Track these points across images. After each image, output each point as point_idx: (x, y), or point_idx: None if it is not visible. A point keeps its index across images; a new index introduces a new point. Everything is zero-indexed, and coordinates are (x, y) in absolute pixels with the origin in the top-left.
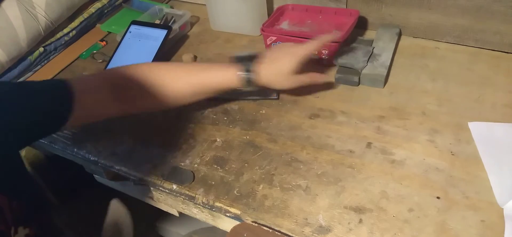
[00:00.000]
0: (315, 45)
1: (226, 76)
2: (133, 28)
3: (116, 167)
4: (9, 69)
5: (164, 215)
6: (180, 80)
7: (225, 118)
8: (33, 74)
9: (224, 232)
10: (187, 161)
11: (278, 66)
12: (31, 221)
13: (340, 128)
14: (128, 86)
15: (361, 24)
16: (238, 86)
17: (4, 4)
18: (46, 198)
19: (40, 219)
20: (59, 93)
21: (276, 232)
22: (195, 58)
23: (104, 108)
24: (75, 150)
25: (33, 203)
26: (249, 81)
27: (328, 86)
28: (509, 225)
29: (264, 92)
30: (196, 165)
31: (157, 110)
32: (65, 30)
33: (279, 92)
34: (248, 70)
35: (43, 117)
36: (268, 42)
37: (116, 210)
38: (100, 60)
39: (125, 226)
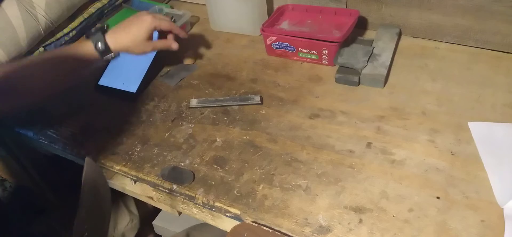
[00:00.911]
0: (167, 25)
1: (84, 48)
2: None
3: (116, 167)
4: None
5: (163, 215)
6: (48, 71)
7: (225, 118)
8: None
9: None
10: (187, 161)
11: (132, 33)
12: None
13: (340, 128)
14: (5, 82)
15: (361, 24)
16: (97, 56)
17: (4, 4)
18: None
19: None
20: None
21: (276, 232)
22: (194, 61)
23: None
24: (75, 150)
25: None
26: (104, 50)
27: (328, 86)
28: (509, 225)
29: (246, 98)
30: (196, 165)
31: (38, 102)
32: (65, 30)
33: (262, 96)
34: (100, 40)
35: None
36: (268, 42)
37: (91, 168)
38: None
39: (102, 184)
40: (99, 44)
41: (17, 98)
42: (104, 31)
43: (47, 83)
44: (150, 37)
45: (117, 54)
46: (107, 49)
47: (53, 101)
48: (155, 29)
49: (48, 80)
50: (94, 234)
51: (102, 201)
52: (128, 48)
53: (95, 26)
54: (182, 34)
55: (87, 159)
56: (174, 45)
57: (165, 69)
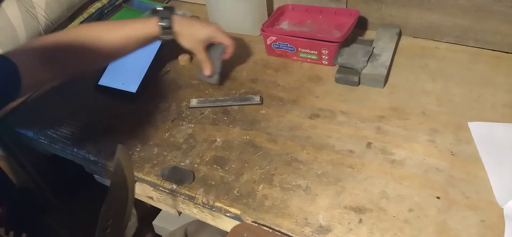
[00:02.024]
0: (229, 41)
1: (148, 26)
2: None
3: None
4: None
5: (163, 215)
6: (106, 36)
7: (225, 118)
8: None
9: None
10: (187, 161)
11: (195, 29)
12: (1, 200)
13: (340, 128)
14: (58, 50)
15: (361, 24)
16: (158, 32)
17: (4, 4)
18: (10, 183)
19: (11, 199)
20: (5, 71)
21: (276, 232)
22: (191, 59)
23: (42, 76)
24: (75, 150)
25: (17, 207)
26: (167, 28)
27: (328, 86)
28: (509, 225)
29: (246, 98)
30: (196, 165)
31: (91, 69)
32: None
33: (262, 96)
34: (167, 17)
35: None
36: (268, 42)
37: (124, 154)
38: None
39: (130, 172)
40: (165, 21)
41: (70, 65)
42: (172, 11)
43: (101, 53)
44: (205, 41)
45: (172, 39)
46: (170, 28)
47: (53, 101)
48: (214, 37)
49: (104, 50)
50: (117, 220)
51: (127, 189)
52: (183, 37)
53: (161, 6)
54: (227, 56)
55: (119, 145)
56: (206, 71)
57: (165, 69)
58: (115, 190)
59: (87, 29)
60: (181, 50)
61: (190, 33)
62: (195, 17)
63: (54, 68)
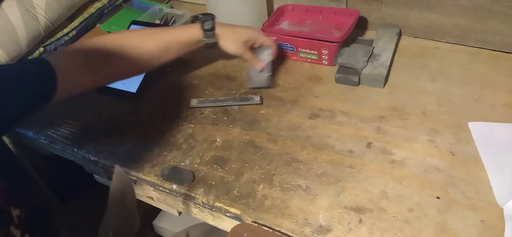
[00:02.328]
0: (271, 42)
1: (190, 31)
2: (133, 28)
3: None
4: None
5: (163, 215)
6: (148, 42)
7: (225, 118)
8: None
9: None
10: (187, 161)
11: (237, 30)
12: (21, 202)
13: (340, 128)
14: (99, 55)
15: (361, 24)
16: (200, 36)
17: (4, 4)
18: (33, 180)
19: (29, 200)
20: (42, 72)
21: (276, 232)
22: (190, 59)
23: (81, 81)
24: (75, 150)
25: (20, 185)
26: (210, 34)
27: (328, 86)
28: (509, 225)
29: (246, 98)
30: (196, 165)
31: (132, 75)
32: (65, 30)
33: (262, 96)
34: (209, 21)
35: (29, 98)
36: None
37: (121, 177)
38: None
39: (130, 194)
40: (207, 24)
41: (113, 70)
42: (213, 16)
43: (144, 59)
44: (248, 43)
45: (215, 42)
46: (212, 30)
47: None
48: (255, 41)
49: (146, 56)
50: None
51: (129, 215)
52: (225, 41)
53: (202, 14)
54: (273, 56)
55: (116, 167)
56: (258, 66)
57: (166, 69)
58: (113, 218)
59: (129, 35)
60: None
61: (232, 36)
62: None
63: (95, 73)
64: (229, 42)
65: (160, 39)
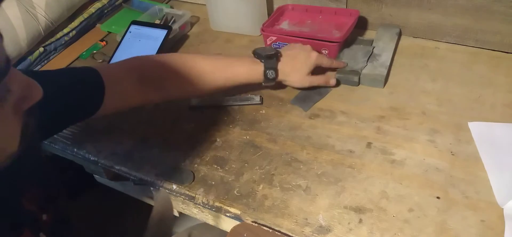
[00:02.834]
0: (333, 63)
1: (252, 72)
2: (133, 28)
3: (116, 167)
4: None
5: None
6: (209, 72)
7: (225, 118)
8: None
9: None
10: (187, 161)
11: (297, 65)
12: (49, 208)
13: (340, 128)
14: (156, 75)
15: (361, 24)
16: (261, 80)
17: (4, 4)
18: (60, 185)
19: (56, 207)
20: (91, 82)
21: (276, 232)
22: None
23: (131, 98)
24: (75, 150)
25: (51, 191)
26: (272, 78)
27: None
28: (509, 225)
29: (247, 98)
30: (196, 165)
31: (181, 99)
32: (65, 30)
33: (262, 97)
34: (272, 68)
35: (76, 106)
36: (268, 42)
37: (164, 201)
38: (100, 60)
39: (169, 220)
40: (270, 73)
41: (166, 91)
42: (275, 58)
43: (198, 86)
44: (310, 72)
45: (274, 83)
46: (274, 78)
47: None
48: (317, 65)
49: (201, 83)
50: None
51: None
52: (289, 81)
53: (266, 50)
54: (341, 65)
55: (162, 191)
56: (332, 81)
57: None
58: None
59: (190, 60)
60: (184, 49)
61: (295, 75)
62: (294, 53)
63: (145, 92)
64: (293, 82)
65: (221, 74)
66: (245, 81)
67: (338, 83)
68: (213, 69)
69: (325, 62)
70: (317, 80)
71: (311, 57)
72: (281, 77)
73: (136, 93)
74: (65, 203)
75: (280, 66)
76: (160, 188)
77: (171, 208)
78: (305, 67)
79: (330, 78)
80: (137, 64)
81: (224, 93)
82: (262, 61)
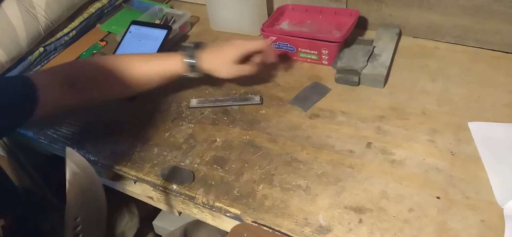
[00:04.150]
0: (261, 45)
1: (173, 63)
2: (133, 28)
3: (116, 167)
4: (9, 69)
5: (163, 215)
6: (132, 70)
7: (225, 118)
8: None
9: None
10: (187, 161)
11: (221, 55)
12: (4, 212)
13: (340, 128)
14: (81, 78)
15: (361, 24)
16: (184, 72)
17: (4, 4)
18: (16, 189)
19: (14, 210)
20: (24, 89)
21: (276, 232)
22: None
23: (64, 102)
24: (75, 150)
25: (3, 195)
26: (193, 67)
27: (328, 86)
28: (509, 225)
29: (246, 98)
30: (196, 165)
31: (113, 98)
32: (65, 30)
33: (262, 96)
34: (192, 57)
35: (8, 114)
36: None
37: (74, 159)
38: None
39: (92, 180)
40: (189, 60)
41: (97, 92)
42: (197, 47)
43: (128, 84)
44: (238, 61)
45: (201, 74)
46: (196, 67)
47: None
48: (246, 52)
49: (130, 81)
50: (89, 233)
51: (94, 199)
52: (215, 71)
53: (189, 43)
54: (274, 57)
55: (68, 149)
56: (271, 56)
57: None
58: (77, 204)
59: (113, 60)
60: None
61: (219, 63)
62: (216, 44)
63: (77, 95)
64: (220, 72)
65: (143, 68)
66: (171, 73)
67: (335, 84)
68: (140, 66)
69: (257, 45)
70: (245, 69)
71: (237, 45)
72: (206, 66)
73: (68, 97)
74: (26, 207)
75: (203, 54)
76: (67, 148)
77: (88, 166)
78: (231, 55)
79: (257, 67)
80: (68, 69)
81: (224, 95)
82: (182, 51)
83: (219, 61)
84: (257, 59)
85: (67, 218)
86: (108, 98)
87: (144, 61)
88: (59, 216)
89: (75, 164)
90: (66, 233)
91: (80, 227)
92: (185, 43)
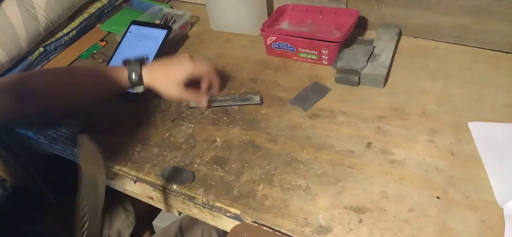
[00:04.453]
0: (207, 74)
1: (118, 75)
2: (133, 28)
3: (116, 167)
4: (9, 69)
5: (163, 215)
6: (78, 83)
7: (225, 118)
8: None
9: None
10: (187, 161)
11: (167, 73)
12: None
13: (340, 128)
14: (32, 90)
15: (361, 24)
16: (129, 87)
17: (4, 4)
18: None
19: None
20: None
21: (276, 232)
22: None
23: (9, 112)
24: (75, 150)
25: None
26: (136, 82)
27: (328, 86)
28: (509, 225)
29: (246, 98)
30: (196, 165)
31: (62, 109)
32: (65, 30)
33: (262, 96)
34: (136, 72)
35: None
36: (268, 42)
37: (87, 147)
38: (100, 60)
39: (98, 161)
40: (134, 75)
41: (43, 103)
42: (142, 63)
43: (74, 96)
44: (184, 82)
45: (147, 89)
46: (139, 82)
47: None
48: (193, 77)
49: (76, 93)
50: (91, 222)
51: (99, 187)
52: (159, 87)
53: (137, 58)
54: (217, 90)
55: (81, 137)
56: (204, 103)
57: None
58: (86, 192)
59: (61, 72)
60: (184, 49)
61: (165, 83)
62: (168, 60)
63: (23, 107)
64: (163, 90)
65: (91, 81)
66: (115, 88)
67: (335, 84)
68: (87, 79)
69: (203, 72)
70: (188, 95)
71: (186, 68)
72: (149, 82)
73: (14, 108)
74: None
75: (147, 70)
76: (79, 136)
77: (96, 150)
78: (177, 76)
79: (202, 98)
80: (13, 80)
81: (224, 95)
82: (128, 66)
83: (165, 79)
84: (203, 86)
85: (77, 208)
86: (55, 109)
87: (90, 75)
88: (58, 215)
89: (87, 150)
90: (77, 221)
91: (86, 216)
92: (130, 57)
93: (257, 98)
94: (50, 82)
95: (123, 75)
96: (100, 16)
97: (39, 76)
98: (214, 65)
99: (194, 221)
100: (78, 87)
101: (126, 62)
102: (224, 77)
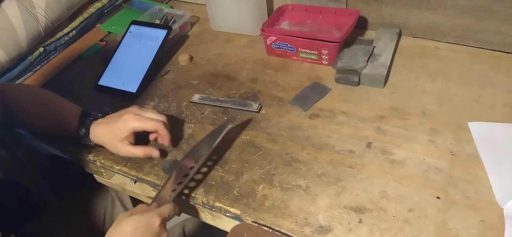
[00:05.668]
0: (153, 126)
1: (69, 125)
2: (133, 28)
3: (116, 167)
4: (9, 69)
5: None
6: (36, 112)
7: (225, 118)
8: (33, 74)
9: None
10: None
11: (111, 131)
12: (8, 229)
13: (340, 128)
14: (5, 102)
15: (361, 24)
16: (79, 137)
17: (4, 4)
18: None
19: (20, 228)
20: None
21: (276, 232)
22: (191, 59)
23: None
24: (75, 150)
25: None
26: (83, 136)
27: (328, 86)
28: (509, 225)
29: (245, 104)
30: None
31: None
32: (65, 30)
33: (260, 104)
34: (84, 127)
35: None
36: (268, 42)
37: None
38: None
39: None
40: (83, 130)
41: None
42: (94, 118)
43: (36, 119)
44: (129, 137)
45: (93, 143)
46: (86, 137)
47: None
48: (136, 130)
49: (32, 123)
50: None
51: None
52: (105, 145)
53: (97, 109)
54: (167, 142)
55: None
56: (155, 154)
57: (165, 69)
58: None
59: (25, 93)
60: (184, 49)
61: (109, 142)
62: (116, 115)
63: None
64: (109, 147)
65: (46, 110)
66: (64, 129)
67: (335, 84)
68: (44, 109)
69: (148, 126)
70: (136, 151)
71: (128, 124)
72: (95, 139)
73: None
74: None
75: (94, 127)
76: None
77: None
78: (120, 135)
79: (153, 151)
80: None
81: (223, 96)
82: (83, 116)
83: (109, 138)
84: (151, 137)
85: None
86: (18, 127)
87: (49, 110)
88: (59, 216)
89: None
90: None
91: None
92: (89, 110)
93: (255, 106)
94: (12, 102)
95: (74, 126)
96: (100, 16)
97: (13, 90)
98: (214, 65)
99: (197, 223)
100: (32, 116)
101: (83, 114)
102: (223, 78)
